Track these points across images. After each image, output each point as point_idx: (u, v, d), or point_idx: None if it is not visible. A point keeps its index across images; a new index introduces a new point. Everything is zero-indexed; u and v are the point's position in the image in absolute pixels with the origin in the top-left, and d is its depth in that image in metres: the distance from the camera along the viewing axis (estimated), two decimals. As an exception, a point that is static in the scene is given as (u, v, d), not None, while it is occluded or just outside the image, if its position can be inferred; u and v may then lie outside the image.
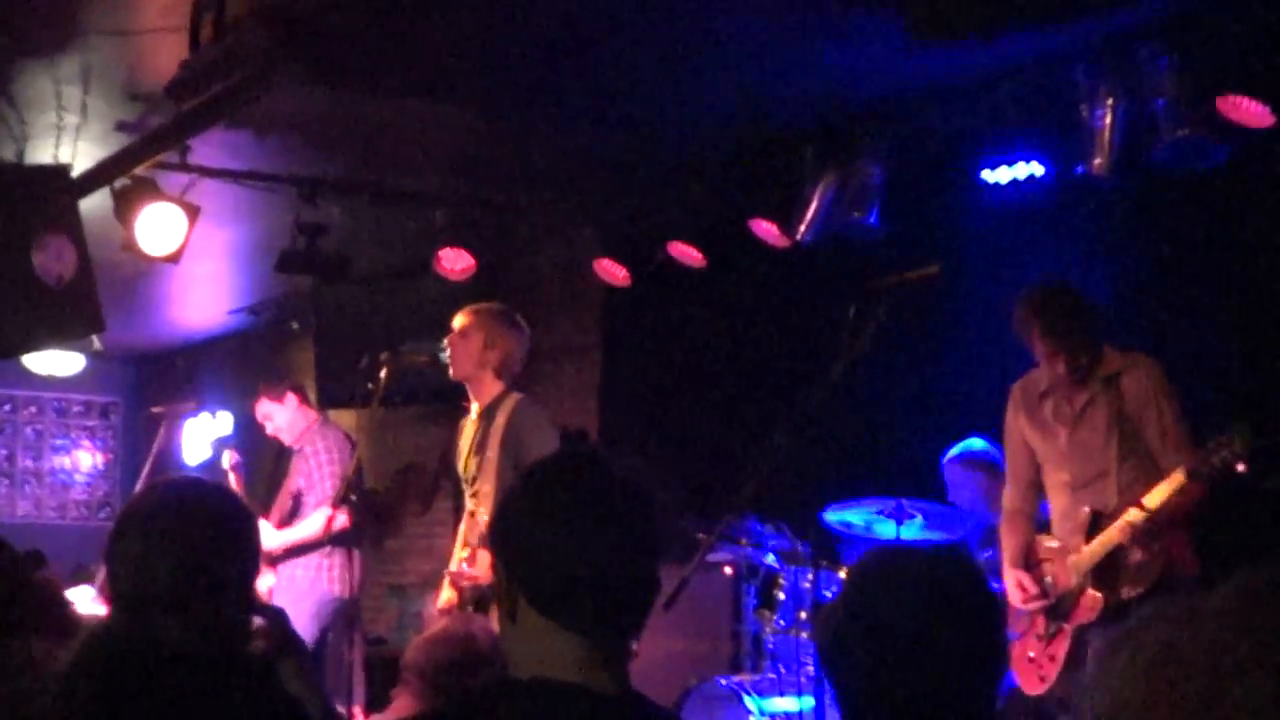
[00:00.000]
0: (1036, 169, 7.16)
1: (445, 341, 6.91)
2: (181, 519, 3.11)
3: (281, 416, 9.23)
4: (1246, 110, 6.13)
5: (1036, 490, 6.13)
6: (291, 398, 9.20)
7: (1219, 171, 6.43)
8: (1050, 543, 5.98)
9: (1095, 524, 5.71)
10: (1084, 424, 5.85)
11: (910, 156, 7.61)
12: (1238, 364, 6.64)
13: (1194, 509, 5.56)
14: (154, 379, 15.49)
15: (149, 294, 11.79)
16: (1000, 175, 7.25)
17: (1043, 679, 5.86)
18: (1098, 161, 6.55)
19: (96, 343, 11.46)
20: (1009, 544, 6.11)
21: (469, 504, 6.89)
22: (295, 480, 9.12)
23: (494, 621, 5.34)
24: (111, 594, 3.10)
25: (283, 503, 9.12)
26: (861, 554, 2.85)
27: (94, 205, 8.10)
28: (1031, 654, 5.92)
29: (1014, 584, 5.96)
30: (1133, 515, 5.50)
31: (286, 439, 9.27)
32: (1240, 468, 5.26)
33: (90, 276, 7.82)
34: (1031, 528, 6.13)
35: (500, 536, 2.51)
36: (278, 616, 3.21)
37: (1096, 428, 5.81)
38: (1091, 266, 7.22)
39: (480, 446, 6.77)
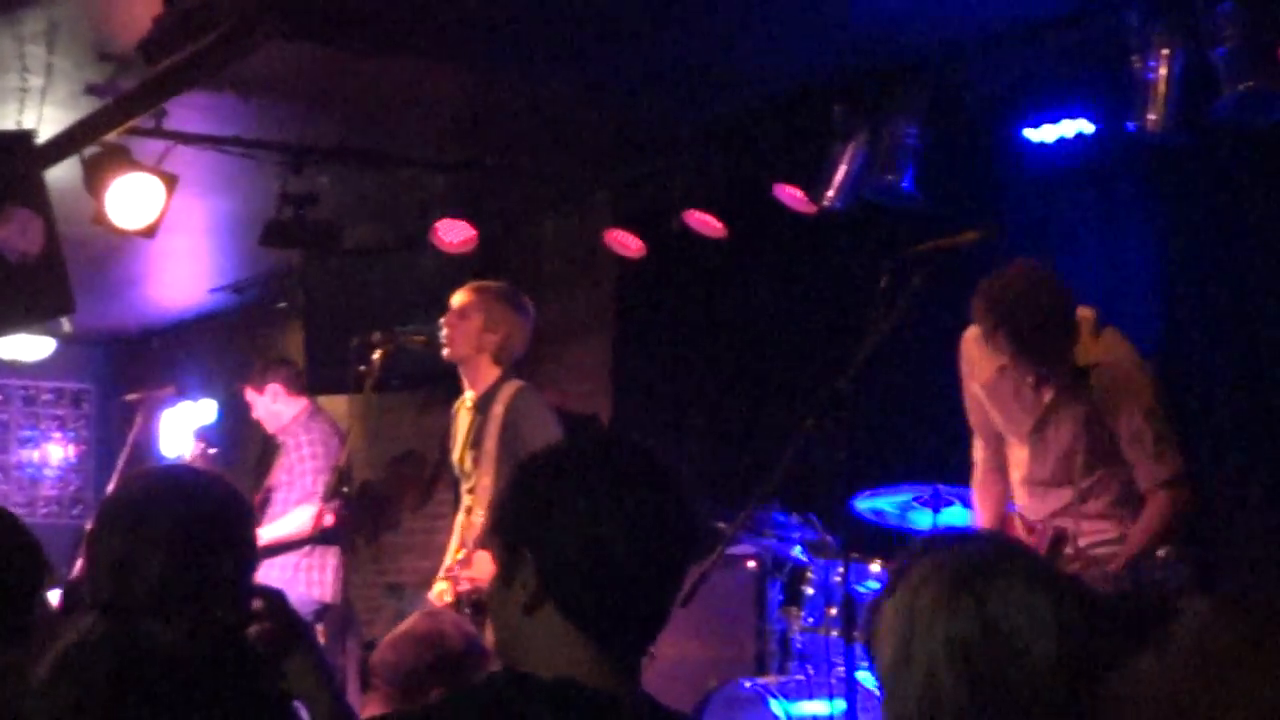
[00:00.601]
0: (1084, 126, 7.13)
1: (442, 321, 6.91)
2: (169, 513, 3.04)
3: (261, 407, 9.27)
4: (1313, 61, 6.11)
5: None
6: (274, 388, 9.22)
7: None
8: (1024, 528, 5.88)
9: (1055, 546, 5.59)
10: (1050, 422, 5.70)
11: (947, 114, 7.59)
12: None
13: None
14: (129, 364, 15.50)
15: (123, 272, 11.80)
16: (1045, 133, 7.23)
17: None
18: (1151, 117, 6.50)
19: (66, 325, 11.51)
20: (984, 509, 6.04)
21: (465, 500, 6.90)
22: (276, 474, 9.15)
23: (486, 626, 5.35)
24: (91, 598, 3.03)
25: (260, 497, 9.15)
26: (908, 541, 2.85)
27: (61, 175, 8.12)
28: None
29: None
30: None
31: (269, 429, 9.31)
32: (1175, 591, 5.20)
33: (58, 253, 7.83)
34: (1006, 489, 6.06)
35: (517, 518, 2.52)
36: (277, 599, 3.13)
37: (1063, 429, 5.66)
38: (1144, 233, 7.20)
39: (476, 439, 6.76)
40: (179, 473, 3.26)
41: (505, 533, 2.55)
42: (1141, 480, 5.55)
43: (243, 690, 2.97)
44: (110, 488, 9.46)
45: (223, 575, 3.04)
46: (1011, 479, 5.93)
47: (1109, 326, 5.69)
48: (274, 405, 9.23)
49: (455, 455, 6.97)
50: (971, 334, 5.93)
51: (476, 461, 6.75)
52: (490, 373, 6.84)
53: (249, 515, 3.24)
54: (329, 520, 8.29)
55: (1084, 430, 5.57)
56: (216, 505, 3.13)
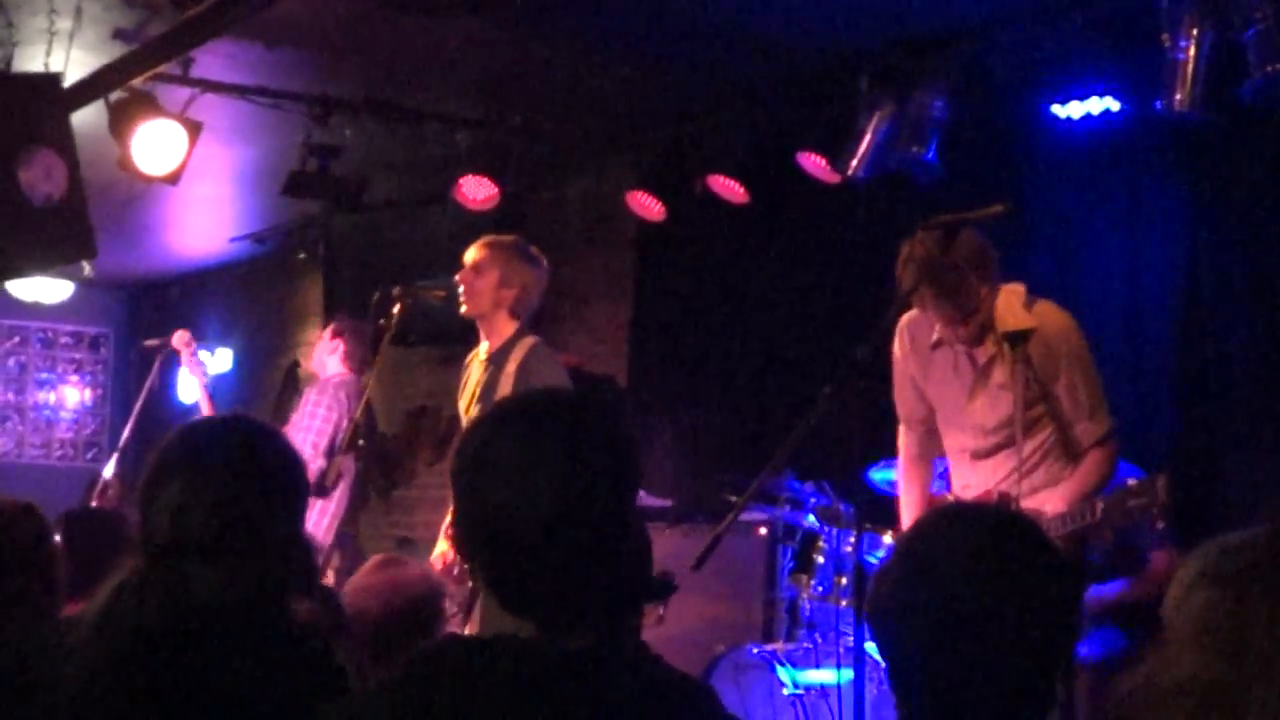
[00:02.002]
0: (1111, 104, 7.11)
1: (458, 277, 6.90)
2: (226, 461, 3.06)
3: (322, 349, 9.13)
4: (1344, 44, 6.08)
5: (935, 435, 5.99)
6: (340, 346, 9.14)
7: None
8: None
9: None
10: (987, 388, 5.67)
11: (973, 88, 7.57)
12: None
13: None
14: (148, 310, 15.54)
15: (145, 217, 11.81)
16: (1071, 110, 7.20)
17: None
18: (1179, 97, 6.48)
19: (87, 269, 11.52)
20: (909, 498, 6.00)
21: None
22: (288, 420, 9.14)
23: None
24: (144, 542, 3.02)
25: None
26: (911, 515, 2.84)
27: (87, 119, 8.10)
28: None
29: None
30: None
31: (310, 366, 9.25)
32: (1160, 525, 5.21)
33: (81, 196, 7.81)
34: (930, 479, 6.06)
35: (454, 492, 2.47)
36: (331, 599, 3.15)
37: (1001, 393, 5.63)
38: (1168, 211, 7.18)
39: (486, 392, 6.75)
40: (239, 423, 3.25)
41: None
42: (1081, 437, 5.58)
43: (285, 644, 2.97)
44: (126, 432, 9.51)
45: (275, 527, 3.05)
46: (953, 461, 5.91)
47: (1042, 299, 5.69)
48: (328, 357, 9.14)
49: (463, 406, 6.96)
50: (904, 320, 5.92)
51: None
52: (507, 327, 6.82)
53: (302, 470, 3.22)
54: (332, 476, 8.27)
55: (1020, 390, 5.58)
56: (274, 458, 3.14)
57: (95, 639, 2.84)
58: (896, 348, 5.95)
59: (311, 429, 8.66)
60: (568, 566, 2.38)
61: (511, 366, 6.70)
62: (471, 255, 6.88)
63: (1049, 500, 5.48)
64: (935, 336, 5.76)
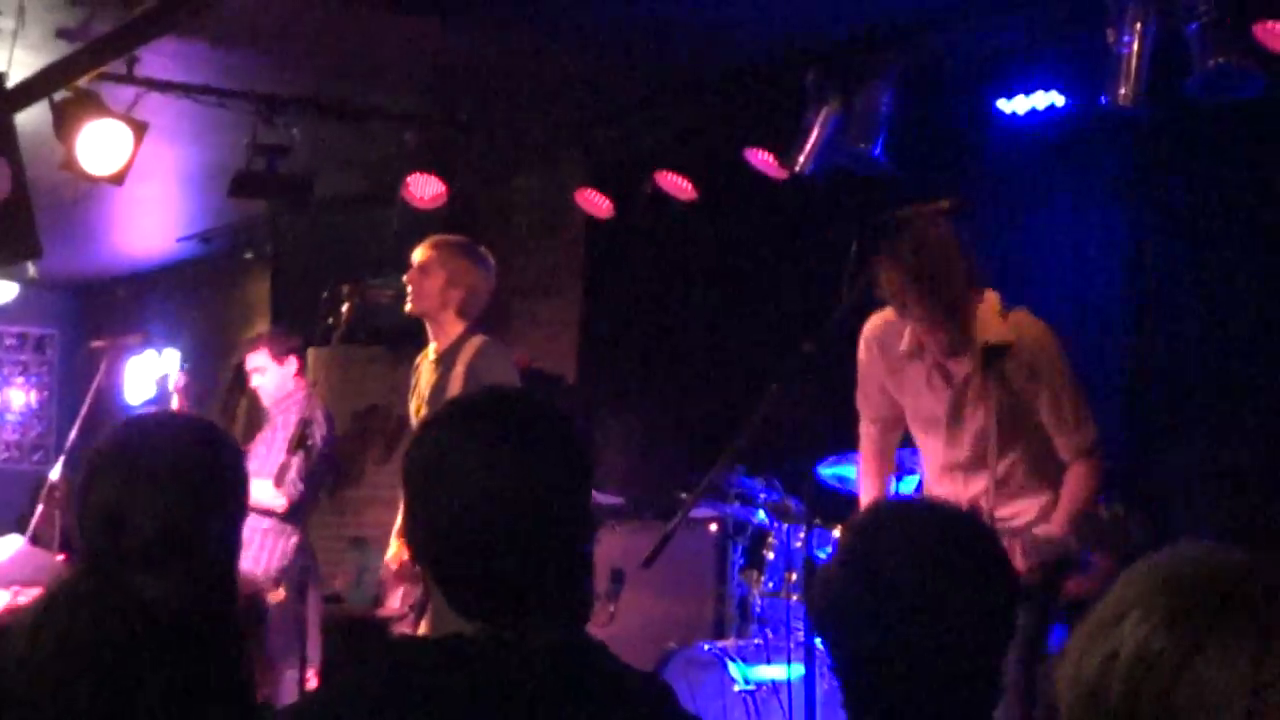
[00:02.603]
0: (1057, 99, 7.14)
1: (405, 277, 6.88)
2: (165, 461, 2.93)
3: (273, 377, 9.06)
4: (1286, 39, 6.11)
5: (899, 429, 5.99)
6: (293, 362, 9.08)
7: (1255, 104, 6.40)
8: None
9: None
10: (964, 403, 5.62)
11: (920, 83, 7.59)
12: (1270, 311, 6.64)
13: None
14: (94, 310, 15.45)
15: (90, 218, 11.74)
16: (1017, 105, 7.23)
17: None
18: (1123, 91, 6.51)
19: (32, 269, 11.44)
20: (867, 490, 6.02)
21: None
22: (256, 443, 9.08)
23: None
24: (80, 548, 2.93)
25: None
26: (862, 509, 2.84)
27: (31, 119, 8.04)
28: None
29: None
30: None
31: (266, 400, 9.11)
32: (1129, 549, 5.22)
33: (26, 197, 7.77)
34: (890, 472, 6.08)
35: (405, 493, 2.45)
36: (255, 598, 3.09)
37: (978, 409, 5.58)
38: (1115, 206, 7.22)
39: (436, 394, 6.73)
40: (173, 420, 3.14)
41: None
42: (1065, 450, 5.54)
43: (223, 651, 2.93)
44: (73, 434, 9.45)
45: (216, 528, 2.96)
46: (927, 470, 5.91)
47: (1017, 307, 5.66)
48: (286, 379, 9.05)
49: (413, 408, 6.94)
50: (870, 329, 5.91)
51: None
52: (454, 327, 6.81)
53: (243, 467, 3.11)
54: (280, 506, 8.24)
55: (998, 407, 5.54)
56: (211, 455, 3.03)
57: (29, 654, 2.72)
58: (863, 354, 5.90)
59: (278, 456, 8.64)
60: (522, 567, 2.36)
61: (460, 367, 6.68)
62: (418, 255, 6.86)
63: (1029, 514, 5.49)
64: (905, 348, 5.69)
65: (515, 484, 2.34)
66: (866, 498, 6.01)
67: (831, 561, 2.61)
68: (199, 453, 3.00)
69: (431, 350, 6.87)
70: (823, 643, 2.59)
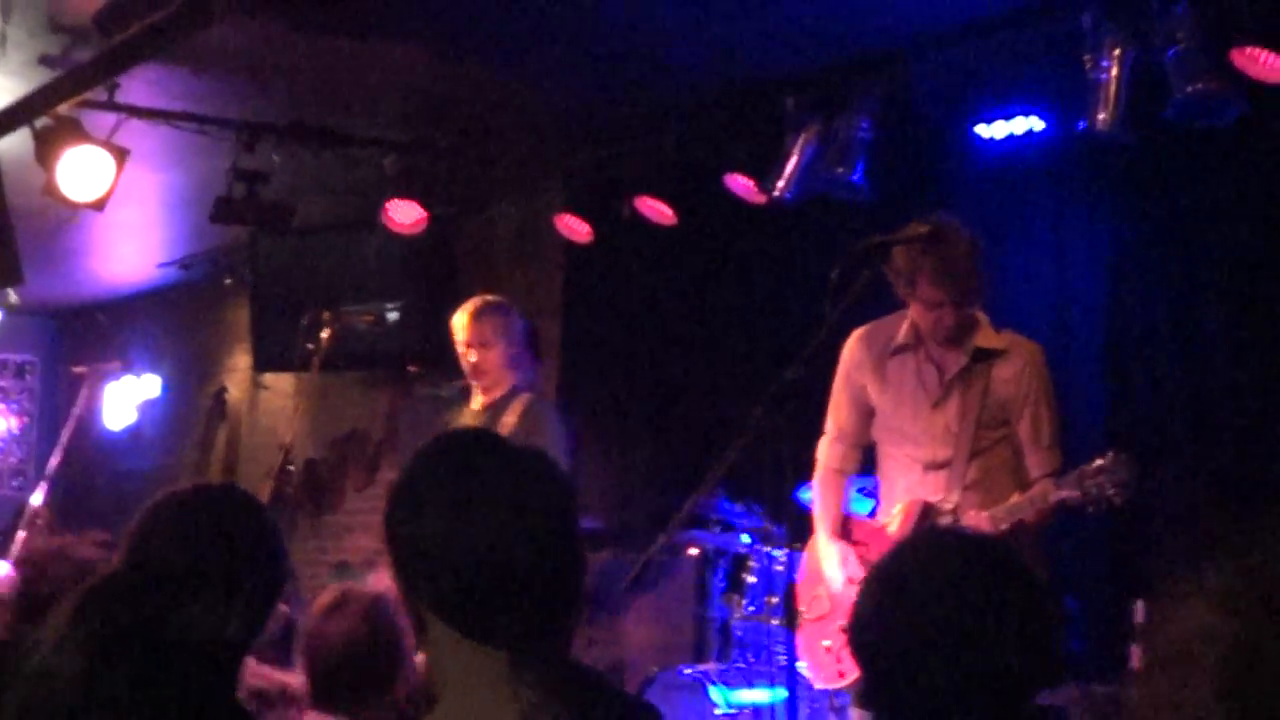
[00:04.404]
0: (1036, 124, 7.14)
1: (468, 356, 7.09)
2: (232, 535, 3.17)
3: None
4: (1264, 64, 6.11)
5: (859, 451, 6.05)
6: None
7: (1233, 129, 6.41)
8: (877, 523, 5.89)
9: (924, 517, 5.62)
10: (949, 399, 5.71)
11: (899, 109, 7.58)
12: (1247, 335, 6.64)
13: (1048, 522, 5.55)
14: (75, 337, 15.39)
15: (71, 244, 11.68)
16: (996, 130, 7.24)
17: (841, 674, 5.77)
18: (1102, 117, 6.51)
19: (13, 296, 11.41)
20: (828, 511, 6.01)
21: None
22: None
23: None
24: (132, 557, 3.10)
25: None
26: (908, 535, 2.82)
27: (12, 146, 8.03)
28: (828, 643, 5.85)
29: (837, 560, 5.85)
30: (978, 521, 5.42)
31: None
32: (1118, 501, 5.23)
33: (7, 223, 7.76)
34: (846, 492, 6.09)
35: (389, 531, 2.43)
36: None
37: (960, 408, 5.67)
38: (1092, 230, 7.22)
39: None
40: (217, 491, 3.40)
41: (387, 545, 2.47)
42: (1035, 468, 5.63)
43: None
44: (54, 459, 9.40)
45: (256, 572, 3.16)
46: (898, 474, 5.90)
47: (1006, 328, 5.77)
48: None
49: None
50: (858, 332, 5.95)
51: None
52: (506, 382, 7.03)
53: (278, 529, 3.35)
54: None
55: (978, 410, 5.61)
56: (266, 526, 3.32)
57: (54, 662, 2.73)
58: (847, 358, 5.96)
59: None
60: (528, 596, 2.35)
61: (511, 419, 6.83)
62: (468, 329, 7.09)
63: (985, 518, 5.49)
64: (900, 341, 5.79)
65: (495, 526, 2.34)
66: (825, 517, 6.01)
67: (868, 587, 2.59)
68: (257, 517, 3.32)
69: (476, 403, 7.01)
70: (859, 664, 2.57)
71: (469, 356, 7.12)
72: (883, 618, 2.51)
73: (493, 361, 7.09)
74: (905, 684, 2.47)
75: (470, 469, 2.40)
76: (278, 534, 3.31)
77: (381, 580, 6.71)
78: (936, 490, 5.69)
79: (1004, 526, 5.39)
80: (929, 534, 2.83)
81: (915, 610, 2.46)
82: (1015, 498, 5.48)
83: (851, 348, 5.96)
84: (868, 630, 2.54)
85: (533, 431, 6.77)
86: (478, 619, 2.35)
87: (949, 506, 5.60)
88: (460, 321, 7.12)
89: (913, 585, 2.50)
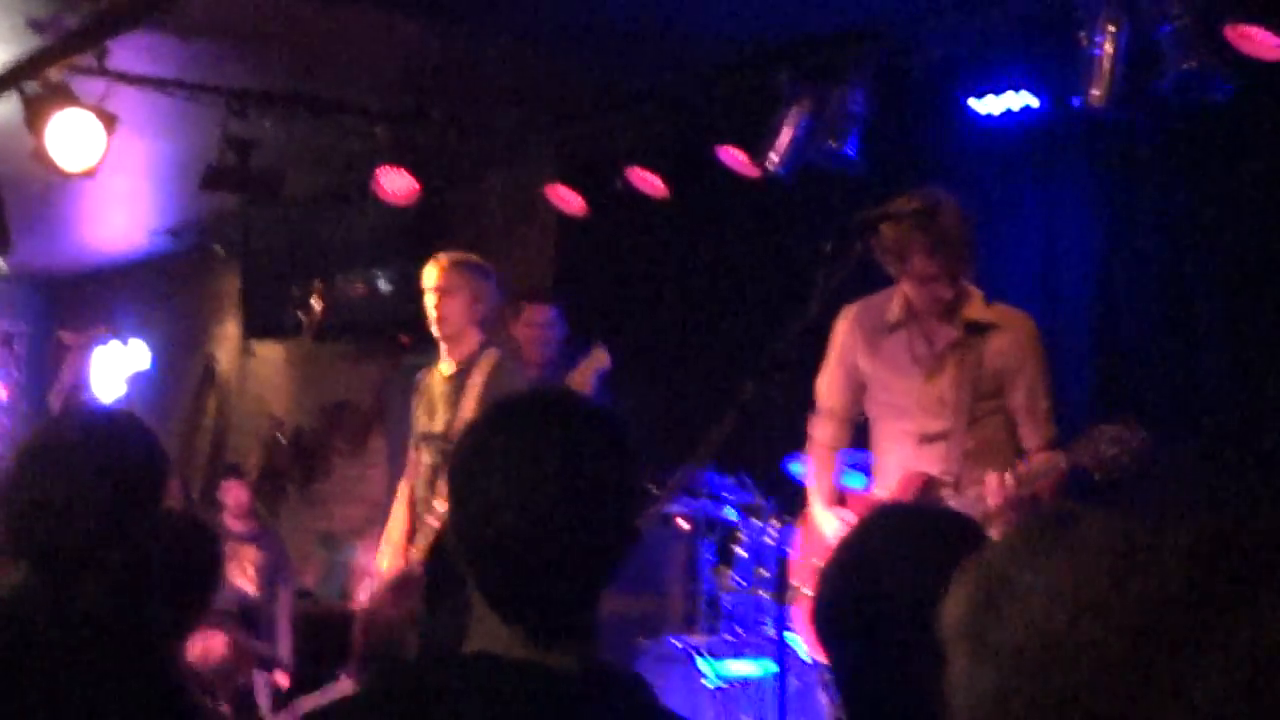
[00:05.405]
0: (1030, 99, 7.14)
1: (429, 304, 6.89)
2: (106, 456, 2.92)
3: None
4: (1258, 41, 6.12)
5: (849, 428, 6.04)
6: None
7: (1226, 106, 6.41)
8: (873, 496, 5.91)
9: (926, 490, 5.64)
10: (943, 371, 5.70)
11: (893, 83, 7.59)
12: (1236, 312, 6.65)
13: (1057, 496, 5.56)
14: (63, 305, 15.37)
15: (60, 211, 11.67)
16: (990, 105, 7.23)
17: None
18: (1095, 93, 6.52)
19: (1, 264, 11.37)
20: (824, 483, 6.01)
21: (423, 460, 6.89)
22: None
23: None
24: (14, 546, 2.87)
25: None
26: (868, 511, 2.80)
27: (0, 112, 8.01)
28: None
29: (835, 528, 5.83)
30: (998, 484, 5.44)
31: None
32: (1133, 468, 5.24)
33: (-4, 191, 7.74)
34: (838, 470, 6.08)
35: (450, 495, 2.38)
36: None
37: (954, 379, 5.67)
38: (1084, 206, 7.22)
39: (453, 403, 6.76)
40: (108, 417, 3.10)
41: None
42: (1030, 439, 5.62)
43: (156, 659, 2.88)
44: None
45: (148, 529, 2.94)
46: (892, 448, 5.91)
47: (999, 302, 5.77)
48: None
49: (431, 417, 6.93)
50: (851, 309, 5.95)
51: (448, 427, 6.73)
52: (473, 342, 6.88)
53: (168, 463, 3.10)
54: None
55: (973, 381, 5.62)
56: (147, 453, 3.03)
57: None
58: (842, 333, 5.95)
59: None
60: (562, 573, 2.31)
61: (479, 378, 6.74)
62: (435, 279, 6.89)
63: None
64: (891, 318, 5.78)
65: (560, 486, 2.28)
66: (820, 492, 6.02)
67: (832, 563, 2.58)
68: (133, 448, 2.99)
69: (445, 366, 6.90)
70: (821, 645, 2.56)
71: (430, 303, 6.93)
72: (844, 599, 2.51)
73: (454, 310, 6.87)
74: (870, 665, 2.46)
75: (528, 433, 2.33)
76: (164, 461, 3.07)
77: (369, 552, 6.77)
78: (932, 462, 5.69)
79: (1029, 490, 5.40)
80: (888, 512, 2.79)
81: (879, 588, 2.46)
82: (1022, 466, 5.49)
83: (844, 325, 5.96)
84: (830, 610, 2.53)
85: (500, 389, 6.68)
86: (495, 591, 2.32)
87: (950, 479, 5.61)
88: (430, 269, 6.98)
89: (877, 563, 2.49)
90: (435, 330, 6.89)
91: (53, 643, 2.72)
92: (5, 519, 2.89)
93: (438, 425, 6.90)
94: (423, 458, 6.96)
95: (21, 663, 2.69)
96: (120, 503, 2.87)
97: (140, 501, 2.92)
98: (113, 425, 3.07)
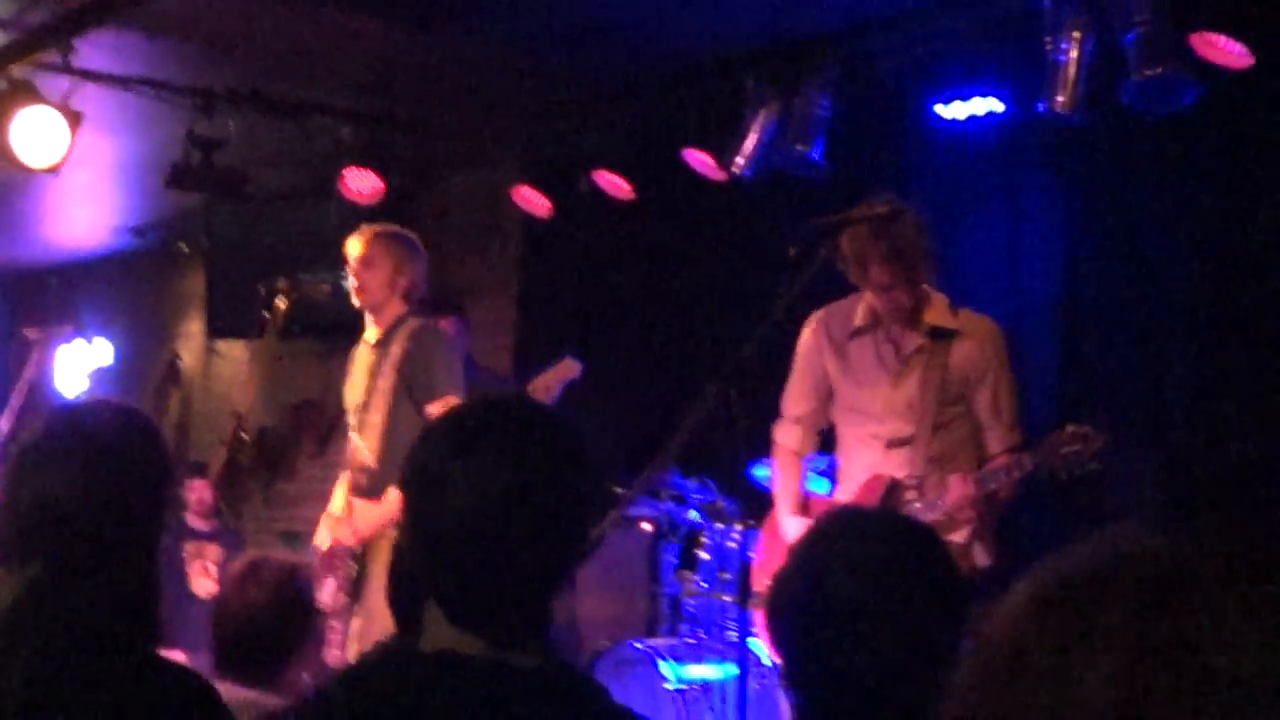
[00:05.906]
0: (995, 105, 7.17)
1: (348, 271, 6.84)
2: (111, 449, 2.88)
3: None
4: (1222, 48, 6.14)
5: (816, 433, 6.09)
6: None
7: (1190, 112, 6.43)
8: (836, 501, 5.92)
9: (890, 494, 5.68)
10: (908, 376, 5.75)
11: (859, 87, 7.60)
12: (1201, 315, 6.68)
13: (1015, 496, 5.61)
14: (27, 301, 15.29)
15: (23, 208, 11.62)
16: (955, 110, 7.26)
17: None
18: (1061, 99, 6.54)
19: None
20: (788, 488, 6.05)
21: (354, 439, 6.83)
22: None
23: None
24: (21, 545, 2.82)
25: None
26: (821, 515, 2.81)
27: (-36, 109, 7.96)
28: None
29: (798, 534, 5.83)
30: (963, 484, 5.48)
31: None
32: (1092, 466, 5.28)
33: (-41, 187, 7.70)
34: (803, 475, 6.13)
35: (404, 501, 2.40)
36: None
37: (920, 384, 5.72)
38: (1049, 211, 7.25)
39: (374, 373, 6.73)
40: (113, 413, 3.04)
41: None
42: (995, 444, 5.70)
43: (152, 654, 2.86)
44: (4, 424, 9.34)
45: (156, 520, 2.93)
46: (858, 452, 5.92)
47: (964, 308, 5.80)
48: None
49: (348, 395, 6.91)
50: (817, 315, 5.97)
51: (370, 393, 6.70)
52: (397, 312, 6.81)
53: (174, 460, 3.10)
54: None
55: (939, 385, 5.65)
56: (154, 448, 3.00)
57: None
58: (809, 340, 5.98)
59: None
60: (518, 582, 2.33)
61: (397, 347, 6.69)
62: (357, 249, 6.83)
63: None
64: (857, 324, 5.83)
65: (511, 494, 2.29)
66: (785, 497, 6.03)
67: (787, 566, 2.59)
68: (141, 441, 2.96)
69: (371, 336, 6.84)
70: (775, 646, 2.56)
71: (350, 275, 6.86)
72: (798, 600, 2.51)
73: (374, 281, 6.79)
74: (823, 667, 2.47)
75: (482, 443, 2.34)
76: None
77: (318, 544, 6.74)
78: (897, 467, 5.71)
79: (988, 488, 5.44)
80: (843, 516, 2.79)
81: (832, 592, 2.46)
82: (987, 467, 5.53)
83: (810, 331, 5.98)
84: (784, 615, 2.54)
85: (421, 355, 6.66)
86: (449, 598, 2.33)
87: (914, 483, 5.63)
88: (354, 240, 6.89)
89: (830, 568, 2.50)
90: (355, 300, 6.84)
91: (54, 643, 2.70)
92: (9, 517, 2.85)
93: (350, 395, 6.88)
94: (348, 430, 6.93)
95: (21, 662, 2.67)
96: (127, 500, 2.85)
97: (147, 499, 2.91)
98: (118, 422, 3.01)
